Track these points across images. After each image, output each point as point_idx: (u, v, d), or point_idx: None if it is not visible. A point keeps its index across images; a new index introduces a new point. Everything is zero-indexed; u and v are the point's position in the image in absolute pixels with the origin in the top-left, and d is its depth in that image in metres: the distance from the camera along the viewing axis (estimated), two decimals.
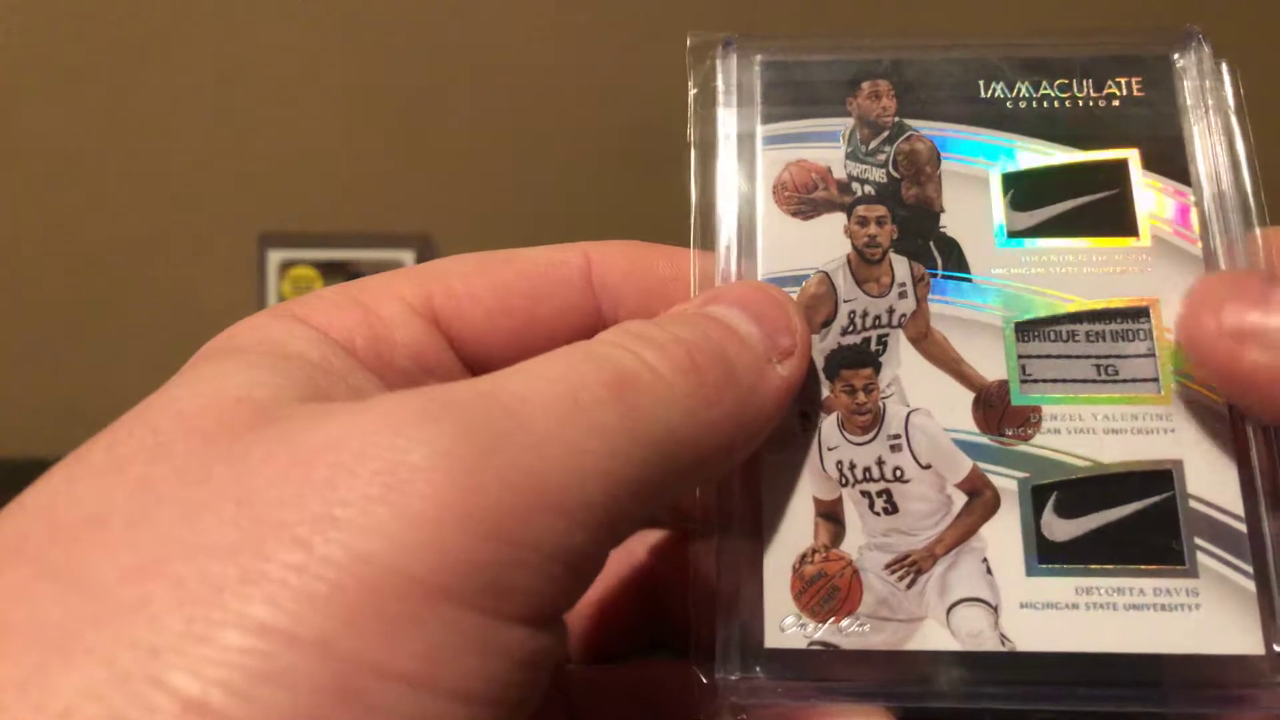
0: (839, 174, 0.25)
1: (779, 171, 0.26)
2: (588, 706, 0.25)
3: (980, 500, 0.23)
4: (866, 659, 0.22)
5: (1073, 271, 0.24)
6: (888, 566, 0.23)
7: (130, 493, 0.17)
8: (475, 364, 0.24)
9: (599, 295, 0.24)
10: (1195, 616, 0.22)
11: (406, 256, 1.02)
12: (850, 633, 0.22)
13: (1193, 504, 0.23)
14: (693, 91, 0.26)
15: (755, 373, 0.21)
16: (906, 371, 0.24)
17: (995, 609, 0.22)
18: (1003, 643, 0.22)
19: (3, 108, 1.01)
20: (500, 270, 0.24)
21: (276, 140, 1.02)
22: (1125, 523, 0.23)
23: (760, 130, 0.26)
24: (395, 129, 1.03)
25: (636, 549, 0.28)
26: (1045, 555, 0.23)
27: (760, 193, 0.25)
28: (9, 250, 1.01)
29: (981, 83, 0.26)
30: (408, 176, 1.03)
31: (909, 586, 0.23)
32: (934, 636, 0.22)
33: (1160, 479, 0.23)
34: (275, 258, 1.02)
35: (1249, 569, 0.22)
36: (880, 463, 0.23)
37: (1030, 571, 0.22)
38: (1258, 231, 0.24)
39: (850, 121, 0.26)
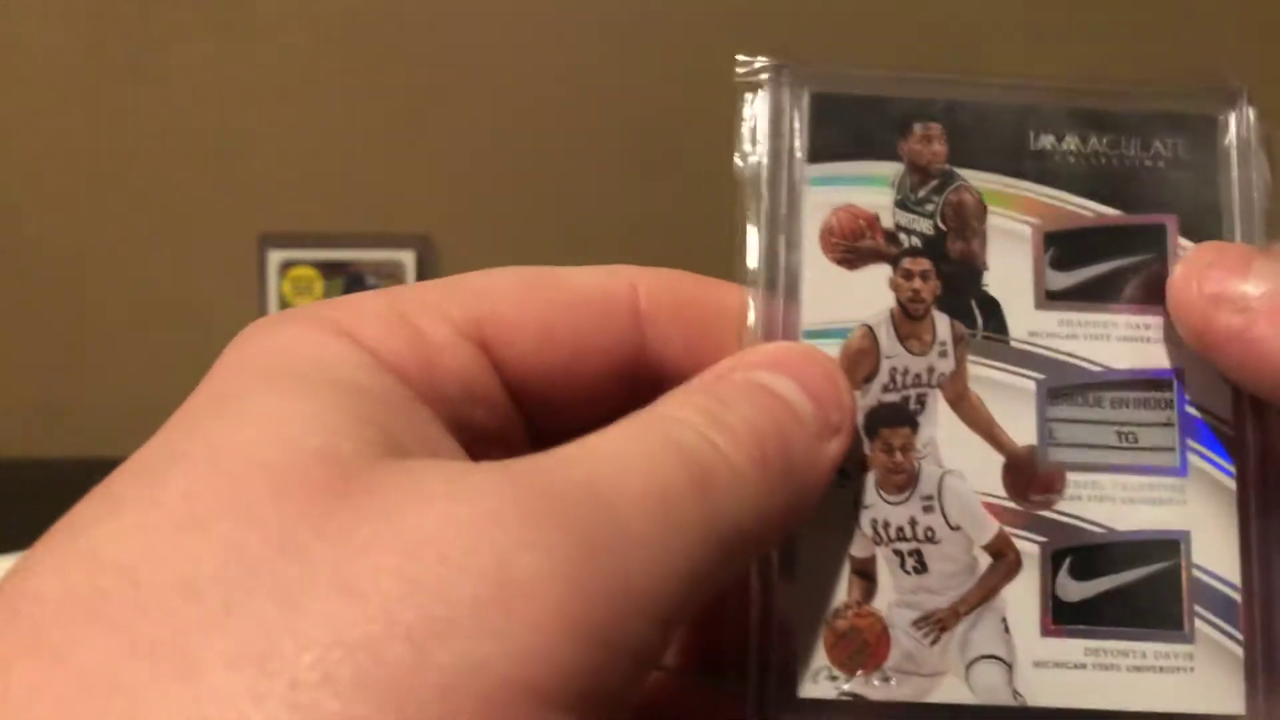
0: (886, 223, 0.25)
1: (826, 215, 0.25)
2: None
3: (1004, 563, 0.24)
4: (891, 710, 0.24)
5: (1105, 336, 0.25)
6: (915, 624, 0.24)
7: (222, 562, 0.17)
8: (517, 390, 0.23)
9: (645, 329, 0.24)
10: (1189, 678, 0.24)
11: (406, 256, 1.02)
12: (877, 685, 0.24)
13: (1195, 573, 0.24)
14: (743, 124, 0.25)
15: (810, 454, 0.22)
16: (942, 433, 0.25)
17: (1010, 666, 0.24)
18: (1015, 698, 0.24)
19: (3, 109, 1.00)
20: (549, 296, 0.24)
21: (276, 140, 1.02)
22: (1133, 588, 0.24)
23: (808, 170, 0.25)
24: (395, 129, 1.02)
25: None
26: (1059, 617, 0.24)
27: (806, 237, 0.25)
28: (9, 250, 1.01)
29: (1032, 133, 0.26)
30: (408, 176, 1.02)
31: (933, 643, 0.24)
32: (953, 690, 0.24)
33: (1168, 548, 0.24)
34: (275, 258, 1.02)
35: (1239, 636, 0.24)
36: (913, 523, 0.24)
37: (1044, 632, 0.24)
38: None
39: (900, 167, 0.25)
